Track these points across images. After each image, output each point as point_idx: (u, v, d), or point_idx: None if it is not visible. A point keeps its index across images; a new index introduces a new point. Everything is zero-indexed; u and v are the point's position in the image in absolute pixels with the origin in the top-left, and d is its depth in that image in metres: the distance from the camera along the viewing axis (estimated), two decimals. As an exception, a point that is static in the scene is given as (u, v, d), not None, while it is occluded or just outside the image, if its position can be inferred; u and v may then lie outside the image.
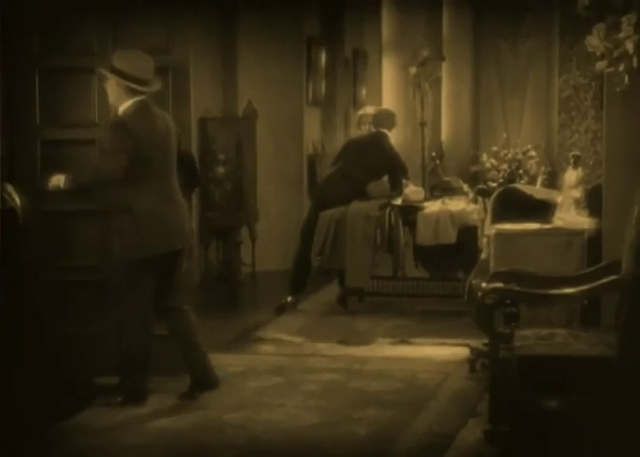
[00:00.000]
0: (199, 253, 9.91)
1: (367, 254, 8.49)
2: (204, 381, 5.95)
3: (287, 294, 8.62)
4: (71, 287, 6.45)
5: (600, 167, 7.66)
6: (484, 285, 4.89)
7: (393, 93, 11.42)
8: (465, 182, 9.93)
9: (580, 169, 7.84)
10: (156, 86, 5.84)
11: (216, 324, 8.09)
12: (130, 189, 5.68)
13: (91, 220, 6.44)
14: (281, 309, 8.48)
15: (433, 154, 10.70)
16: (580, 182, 7.68)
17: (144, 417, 5.61)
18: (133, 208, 5.69)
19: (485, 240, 7.14)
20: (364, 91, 12.78)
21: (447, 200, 9.05)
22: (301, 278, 8.72)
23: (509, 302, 4.60)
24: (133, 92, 5.74)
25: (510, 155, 10.65)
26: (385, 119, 9.14)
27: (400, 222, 8.78)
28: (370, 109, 9.74)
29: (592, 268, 5.15)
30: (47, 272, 6.44)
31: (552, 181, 9.86)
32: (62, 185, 5.69)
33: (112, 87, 5.78)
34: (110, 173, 5.66)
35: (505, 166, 10.57)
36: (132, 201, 5.69)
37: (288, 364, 6.79)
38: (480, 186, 9.69)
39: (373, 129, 9.04)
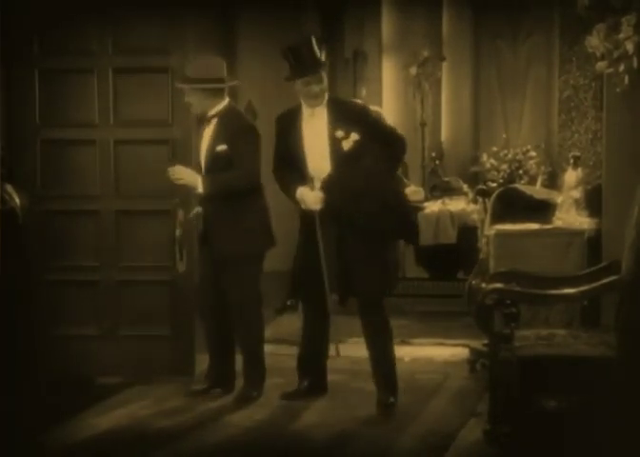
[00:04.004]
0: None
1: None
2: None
3: (287, 296, 8.61)
4: (70, 286, 6.45)
5: (600, 167, 7.66)
6: (484, 285, 4.89)
7: (393, 93, 11.41)
8: (465, 182, 9.92)
9: (580, 170, 7.82)
10: (233, 81, 6.10)
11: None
12: (258, 190, 6.02)
13: (90, 220, 6.44)
14: (281, 312, 8.48)
15: (433, 154, 10.69)
16: (580, 182, 7.67)
17: (144, 417, 5.61)
18: (259, 205, 6.06)
19: (484, 240, 7.15)
20: (364, 91, 12.76)
21: (447, 200, 9.06)
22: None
23: (509, 302, 4.60)
24: (215, 94, 5.85)
25: (510, 155, 10.63)
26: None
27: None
28: (375, 109, 9.74)
29: (592, 268, 5.14)
30: (46, 272, 6.44)
31: (552, 181, 9.85)
32: (200, 188, 5.79)
33: (195, 96, 5.85)
34: (253, 180, 5.90)
35: (505, 166, 10.55)
36: (258, 199, 6.04)
37: (288, 364, 6.79)
38: (480, 186, 9.69)
39: None
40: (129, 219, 6.41)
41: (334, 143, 5.67)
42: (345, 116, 5.72)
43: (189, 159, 6.15)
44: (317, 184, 5.73)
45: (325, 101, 5.77)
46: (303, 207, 5.79)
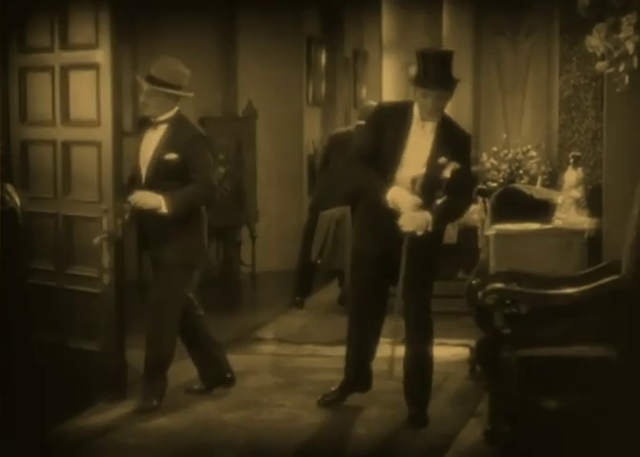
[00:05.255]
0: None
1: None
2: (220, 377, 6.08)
3: (295, 293, 8.64)
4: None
5: (600, 167, 7.66)
6: (484, 285, 4.90)
7: (393, 93, 11.39)
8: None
9: (580, 169, 7.82)
10: (190, 93, 5.83)
11: (216, 324, 8.08)
12: None
13: (40, 223, 6.27)
14: (295, 304, 8.54)
15: (433, 154, 10.68)
16: (580, 182, 7.67)
17: (144, 417, 5.60)
18: (198, 214, 5.80)
19: (485, 240, 7.15)
20: (364, 91, 12.78)
21: (447, 200, 9.03)
22: (307, 280, 8.71)
23: (509, 302, 4.61)
24: (174, 100, 5.71)
25: (510, 155, 10.63)
26: (368, 112, 9.12)
27: (400, 222, 8.76)
28: (373, 103, 9.72)
29: (592, 268, 5.15)
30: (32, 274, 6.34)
31: (552, 181, 9.85)
32: (164, 209, 5.58)
33: (154, 98, 5.69)
34: (213, 194, 5.77)
35: (505, 166, 10.54)
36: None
37: (288, 364, 6.79)
38: (480, 186, 9.68)
39: (359, 122, 8.97)
40: (73, 224, 6.12)
41: (435, 167, 5.32)
42: (452, 142, 5.38)
43: (118, 163, 5.87)
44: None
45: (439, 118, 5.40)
46: (391, 205, 5.32)
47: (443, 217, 5.38)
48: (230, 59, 10.35)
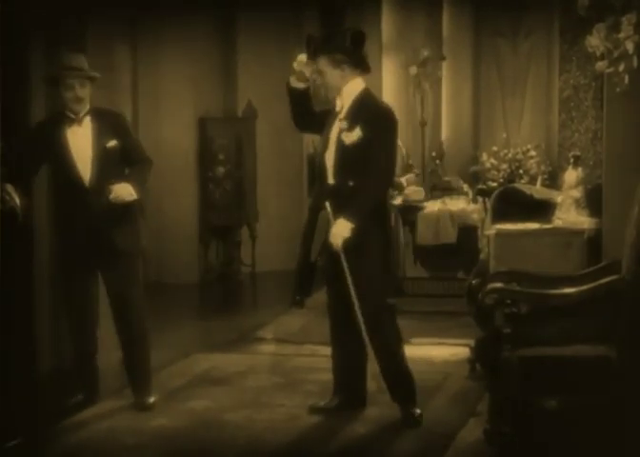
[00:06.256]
0: (199, 253, 9.91)
1: (367, 254, 8.47)
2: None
3: (294, 293, 8.61)
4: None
5: (600, 167, 7.66)
6: (484, 285, 4.90)
7: (393, 93, 11.40)
8: (465, 182, 9.92)
9: (580, 169, 7.83)
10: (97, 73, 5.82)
11: (216, 324, 8.11)
12: None
13: None
14: (295, 304, 8.50)
15: (433, 154, 10.69)
16: (580, 182, 7.67)
17: (143, 417, 5.61)
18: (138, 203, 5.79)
19: (485, 240, 7.15)
20: (364, 91, 12.77)
21: (447, 200, 9.06)
22: (307, 280, 8.69)
23: (509, 302, 4.61)
24: (91, 85, 5.68)
25: (510, 155, 10.63)
26: None
27: (400, 222, 8.78)
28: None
29: (592, 268, 5.14)
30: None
31: (552, 181, 9.85)
32: (135, 195, 5.60)
33: (86, 89, 5.62)
34: (152, 166, 5.84)
35: (505, 166, 10.55)
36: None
37: (288, 364, 6.79)
38: (480, 186, 9.69)
39: None
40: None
41: (339, 135, 5.41)
42: (360, 111, 5.38)
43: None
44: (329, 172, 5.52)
45: (352, 93, 5.44)
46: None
47: (356, 206, 5.46)
48: (229, 59, 10.34)
